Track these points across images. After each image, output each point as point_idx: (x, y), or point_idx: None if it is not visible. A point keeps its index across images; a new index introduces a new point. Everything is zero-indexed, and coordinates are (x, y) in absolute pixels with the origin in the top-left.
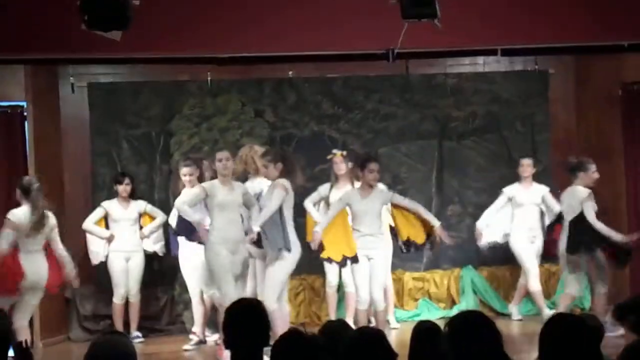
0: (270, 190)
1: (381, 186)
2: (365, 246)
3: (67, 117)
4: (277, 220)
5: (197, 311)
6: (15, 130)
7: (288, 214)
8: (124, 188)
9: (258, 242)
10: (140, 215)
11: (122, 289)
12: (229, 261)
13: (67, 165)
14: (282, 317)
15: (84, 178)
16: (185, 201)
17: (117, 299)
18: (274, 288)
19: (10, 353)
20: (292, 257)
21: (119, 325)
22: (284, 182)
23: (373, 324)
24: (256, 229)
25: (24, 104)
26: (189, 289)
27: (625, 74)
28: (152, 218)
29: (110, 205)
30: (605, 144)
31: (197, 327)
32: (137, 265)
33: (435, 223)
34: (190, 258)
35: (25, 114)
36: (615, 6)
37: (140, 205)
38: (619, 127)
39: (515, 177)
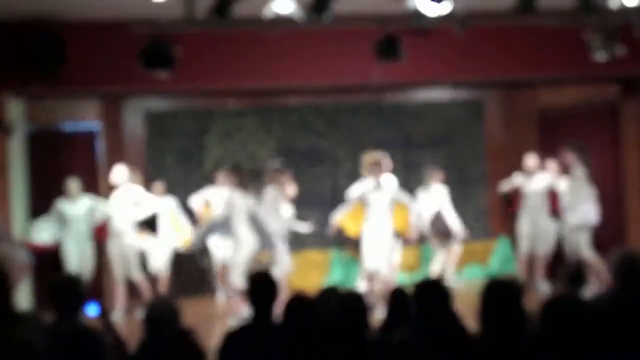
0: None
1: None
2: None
3: (128, 136)
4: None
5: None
6: (89, 147)
7: (237, 218)
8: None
9: None
10: None
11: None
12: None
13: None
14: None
15: (141, 183)
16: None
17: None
18: (239, 270)
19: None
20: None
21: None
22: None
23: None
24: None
25: (96, 126)
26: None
27: (541, 101)
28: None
29: None
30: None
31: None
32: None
33: None
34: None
35: (96, 135)
36: (533, 49)
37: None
38: (536, 141)
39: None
